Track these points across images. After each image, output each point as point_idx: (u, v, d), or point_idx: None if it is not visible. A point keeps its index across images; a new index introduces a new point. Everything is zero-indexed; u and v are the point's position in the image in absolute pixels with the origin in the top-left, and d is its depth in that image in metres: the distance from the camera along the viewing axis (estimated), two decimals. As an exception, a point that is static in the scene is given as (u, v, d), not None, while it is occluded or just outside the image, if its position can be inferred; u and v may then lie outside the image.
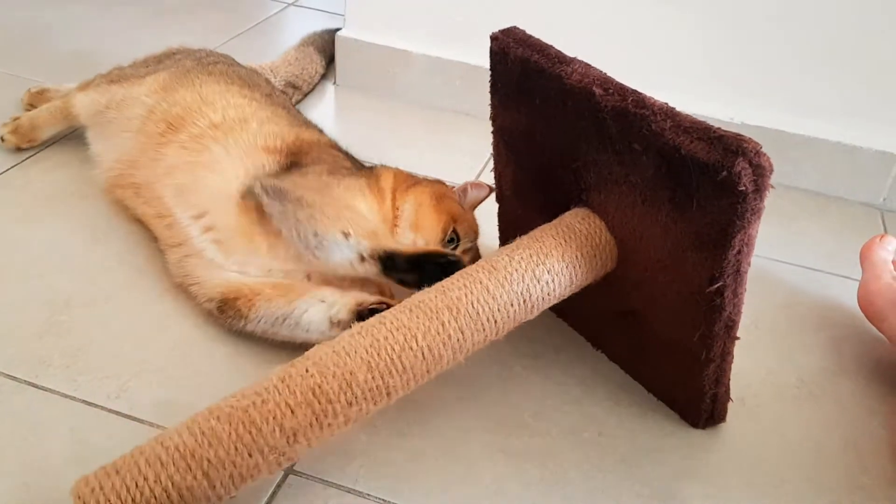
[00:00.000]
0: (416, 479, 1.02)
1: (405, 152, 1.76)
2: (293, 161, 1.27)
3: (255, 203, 1.18)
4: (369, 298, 1.12)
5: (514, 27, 1.14)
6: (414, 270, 1.08)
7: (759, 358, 1.28)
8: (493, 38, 1.13)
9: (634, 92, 0.97)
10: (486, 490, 1.02)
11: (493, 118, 1.21)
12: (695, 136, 0.90)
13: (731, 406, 1.14)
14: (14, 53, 2.00)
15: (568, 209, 1.12)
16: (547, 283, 1.01)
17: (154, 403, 1.09)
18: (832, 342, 1.34)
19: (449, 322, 0.95)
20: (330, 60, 2.10)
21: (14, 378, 1.10)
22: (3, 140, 1.55)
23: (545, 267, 1.01)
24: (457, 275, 1.01)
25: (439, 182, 1.35)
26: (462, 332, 0.95)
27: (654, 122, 0.92)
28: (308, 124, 1.47)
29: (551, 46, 1.09)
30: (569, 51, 1.06)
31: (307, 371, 0.90)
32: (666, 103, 0.95)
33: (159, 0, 2.41)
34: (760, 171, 0.87)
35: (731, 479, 1.07)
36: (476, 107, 1.95)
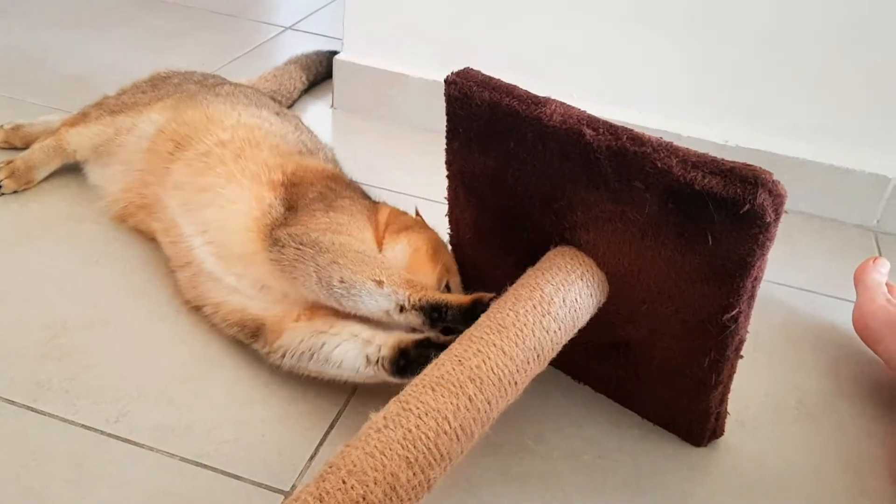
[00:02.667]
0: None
1: (402, 175, 1.75)
2: (295, 193, 1.25)
3: (261, 234, 1.19)
4: (407, 336, 1.07)
5: (469, 68, 1.10)
6: (465, 320, 1.03)
7: (757, 379, 1.30)
8: (450, 81, 1.08)
9: (626, 129, 0.96)
10: (486, 513, 1.00)
11: (450, 162, 1.17)
12: (705, 170, 0.91)
13: (731, 427, 1.16)
14: (11, 77, 1.99)
15: (546, 249, 1.10)
16: (555, 332, 1.00)
17: (154, 427, 1.10)
18: (829, 363, 1.36)
19: (475, 395, 0.90)
20: (315, 78, 2.13)
21: (12, 402, 1.11)
22: (0, 186, 1.53)
23: (551, 317, 0.99)
24: (465, 340, 0.96)
25: (433, 231, 1.31)
26: (489, 403, 0.91)
27: (657, 160, 0.92)
28: (314, 149, 1.44)
29: (517, 87, 1.06)
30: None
31: (344, 483, 0.82)
32: (661, 138, 0.95)
33: (156, 24, 2.42)
34: (780, 200, 0.89)
35: (733, 500, 1.09)
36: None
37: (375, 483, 0.84)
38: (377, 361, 1.07)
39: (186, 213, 1.29)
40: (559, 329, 1.02)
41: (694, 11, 1.73)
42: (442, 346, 1.01)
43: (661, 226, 0.97)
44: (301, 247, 1.12)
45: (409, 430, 0.88)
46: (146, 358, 1.21)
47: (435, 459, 0.88)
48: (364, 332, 1.11)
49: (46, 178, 1.59)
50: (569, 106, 1.02)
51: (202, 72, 1.72)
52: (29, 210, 1.51)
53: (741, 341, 1.02)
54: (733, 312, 0.96)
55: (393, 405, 0.91)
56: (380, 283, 1.08)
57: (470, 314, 1.04)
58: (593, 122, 0.98)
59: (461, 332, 1.01)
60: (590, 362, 1.20)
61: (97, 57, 2.16)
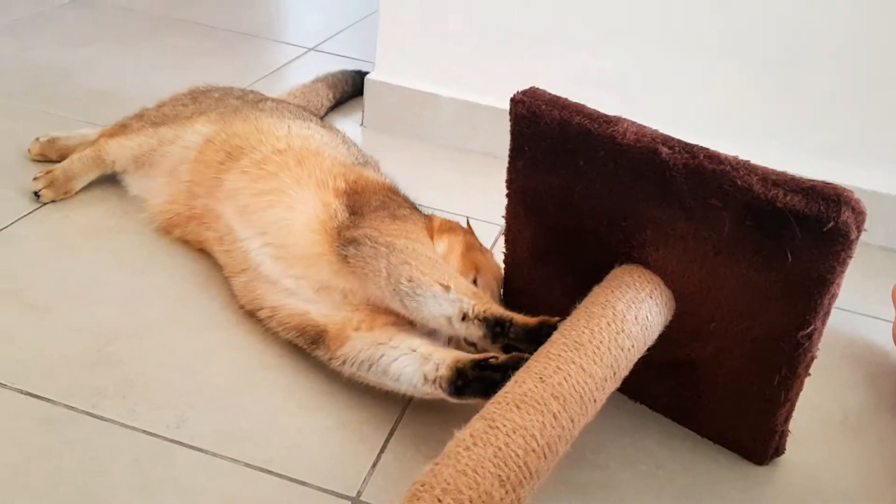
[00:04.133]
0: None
1: (434, 193, 1.74)
2: (357, 201, 1.26)
3: (328, 236, 1.21)
4: (465, 355, 1.06)
5: (535, 88, 1.11)
6: (528, 341, 1.02)
7: (804, 394, 1.30)
8: (518, 100, 1.09)
9: (702, 148, 0.97)
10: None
11: (511, 181, 1.17)
12: (786, 188, 0.92)
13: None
14: (41, 91, 2.00)
15: (609, 267, 1.11)
16: (629, 349, 1.00)
17: (215, 433, 1.09)
18: (868, 379, 1.39)
19: (559, 412, 0.90)
20: (341, 97, 2.15)
21: (72, 408, 1.10)
22: (39, 195, 1.53)
23: (625, 334, 0.99)
24: (543, 358, 0.96)
25: (470, 232, 1.34)
26: (572, 421, 0.91)
27: (737, 177, 0.93)
28: (364, 161, 1.47)
29: (585, 106, 1.07)
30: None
31: (440, 501, 0.81)
32: (737, 157, 0.97)
33: (180, 43, 2.44)
34: (861, 217, 0.90)
35: (790, 510, 1.10)
36: (505, 150, 1.98)
37: (471, 501, 0.83)
38: (434, 380, 1.07)
39: (243, 217, 1.29)
40: (632, 347, 1.02)
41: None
42: (498, 368, 1.01)
43: (737, 243, 0.98)
44: (377, 246, 1.14)
45: (500, 448, 0.88)
46: (200, 365, 1.22)
47: (525, 477, 0.88)
48: (423, 347, 1.10)
49: (86, 190, 1.59)
50: (641, 125, 1.03)
51: (241, 87, 1.73)
52: (71, 222, 1.51)
53: (812, 358, 1.03)
54: (808, 329, 0.97)
55: (478, 423, 0.91)
56: (446, 287, 1.08)
57: (534, 335, 1.04)
58: (668, 140, 1.00)
59: (521, 352, 1.02)
60: (647, 381, 1.19)
61: (122, 73, 2.19)
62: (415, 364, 1.09)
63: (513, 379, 0.96)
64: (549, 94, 1.09)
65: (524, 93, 1.10)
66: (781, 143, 1.81)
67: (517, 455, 0.88)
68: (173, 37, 2.47)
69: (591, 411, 0.96)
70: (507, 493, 0.86)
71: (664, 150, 0.98)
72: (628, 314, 1.03)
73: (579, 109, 1.06)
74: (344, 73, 2.20)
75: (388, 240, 1.14)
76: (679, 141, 0.99)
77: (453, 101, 2.01)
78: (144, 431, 1.09)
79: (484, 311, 1.06)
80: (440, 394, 1.08)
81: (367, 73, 2.22)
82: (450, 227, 1.31)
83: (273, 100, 1.67)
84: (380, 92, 2.06)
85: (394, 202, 1.30)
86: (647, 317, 1.05)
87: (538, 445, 0.89)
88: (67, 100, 1.97)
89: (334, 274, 1.19)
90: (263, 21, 2.85)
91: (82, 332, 1.24)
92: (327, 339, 1.17)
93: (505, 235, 1.25)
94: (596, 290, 1.08)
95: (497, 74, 1.96)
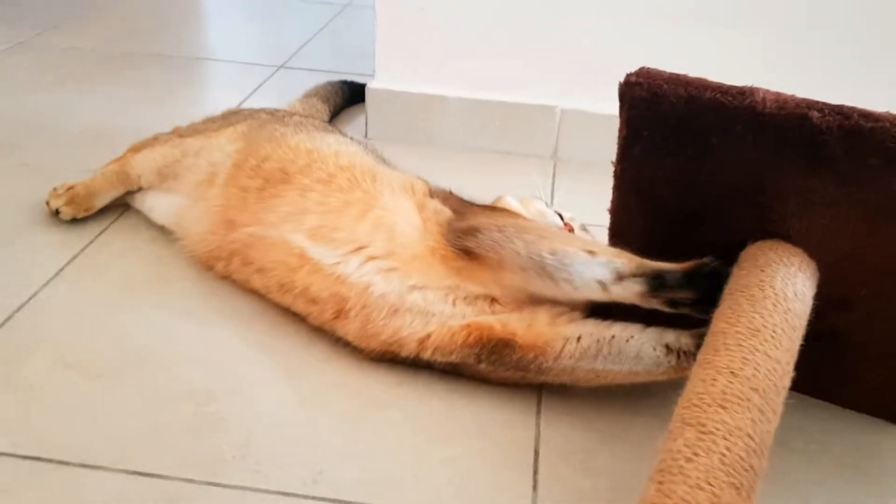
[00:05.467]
0: None
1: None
2: (444, 200, 1.23)
3: (438, 231, 1.14)
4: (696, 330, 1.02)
5: (647, 68, 1.05)
6: (689, 286, 0.99)
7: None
8: (633, 83, 1.02)
9: (852, 108, 0.93)
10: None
11: (623, 171, 1.10)
12: None
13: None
14: (17, 144, 1.82)
15: (736, 247, 1.05)
16: (798, 328, 0.95)
17: (357, 482, 1.01)
18: None
19: (763, 406, 0.85)
20: (335, 109, 2.07)
21: (191, 480, 0.99)
22: (58, 213, 1.44)
23: (793, 313, 0.94)
24: (722, 350, 0.90)
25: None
26: (774, 412, 0.86)
27: (897, 133, 0.89)
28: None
29: (709, 80, 1.01)
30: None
31: None
32: (890, 112, 0.93)
33: (147, 77, 2.30)
34: None
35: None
36: (517, 145, 1.94)
37: (718, 516, 0.76)
38: (678, 350, 1.03)
39: (323, 239, 1.18)
40: (800, 325, 0.97)
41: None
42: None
43: (898, 201, 0.93)
44: (502, 229, 1.07)
45: (724, 455, 0.81)
46: (311, 412, 1.12)
47: (753, 481, 0.82)
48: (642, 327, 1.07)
49: (110, 239, 1.46)
50: (777, 92, 0.98)
51: (269, 108, 1.65)
52: (107, 278, 1.37)
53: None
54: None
55: (686, 430, 0.84)
56: (592, 252, 1.04)
57: (693, 278, 1.00)
58: (814, 104, 0.95)
59: (682, 303, 1.00)
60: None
61: (100, 113, 2.04)
62: (652, 338, 1.06)
63: (700, 377, 0.89)
64: (666, 72, 1.03)
65: (638, 74, 1.03)
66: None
67: (742, 458, 0.82)
68: (137, 70, 2.32)
69: (782, 401, 0.91)
70: (745, 500, 0.79)
71: (814, 114, 0.93)
72: (788, 291, 0.98)
73: (706, 84, 1.00)
74: (332, 84, 2.13)
75: (506, 222, 1.09)
76: (825, 103, 0.95)
77: (460, 100, 1.95)
78: (281, 493, 0.99)
79: (638, 267, 1.02)
80: (685, 364, 1.04)
81: (352, 82, 2.12)
82: (504, 209, 1.29)
83: (299, 115, 1.60)
84: (382, 101, 1.97)
85: (460, 199, 1.27)
86: (803, 291, 1.00)
87: (755, 444, 0.84)
88: (52, 148, 1.81)
89: (457, 273, 1.10)
90: (222, 44, 2.73)
91: (170, 397, 1.12)
92: (517, 343, 1.08)
93: (610, 229, 1.18)
94: (740, 271, 1.02)
95: (504, 68, 1.90)
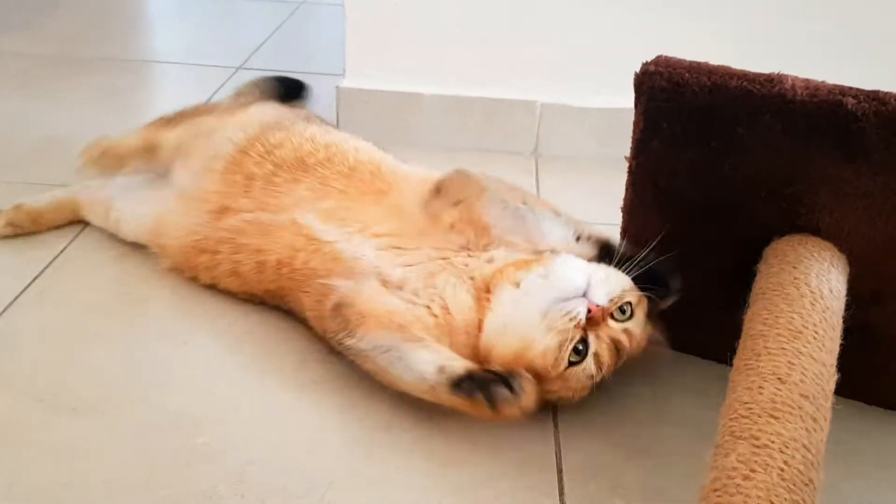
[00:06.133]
0: None
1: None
2: None
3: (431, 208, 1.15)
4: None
5: (665, 56, 0.99)
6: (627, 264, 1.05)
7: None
8: (652, 72, 0.97)
9: (888, 93, 0.88)
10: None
11: (639, 166, 1.05)
12: None
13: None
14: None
15: (760, 243, 1.01)
16: (837, 327, 0.90)
17: None
18: None
19: (815, 414, 0.80)
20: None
21: None
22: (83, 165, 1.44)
23: (831, 311, 0.90)
24: (764, 354, 0.85)
25: None
26: (825, 419, 0.81)
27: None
28: None
29: (733, 68, 0.96)
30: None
31: None
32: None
33: (103, 82, 2.14)
34: None
35: None
36: (497, 142, 1.87)
37: (790, 538, 0.70)
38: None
39: (333, 218, 1.15)
40: (838, 323, 0.92)
41: None
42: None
43: (936, 190, 0.89)
44: (492, 198, 1.14)
45: (783, 469, 0.75)
46: (312, 437, 1.02)
47: (813, 497, 0.76)
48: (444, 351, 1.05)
49: (71, 259, 1.34)
50: (807, 79, 0.92)
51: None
52: (76, 300, 1.24)
53: None
54: None
55: (738, 444, 0.78)
56: (557, 213, 1.13)
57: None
58: (848, 90, 0.90)
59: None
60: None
61: (53, 122, 1.87)
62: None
63: (745, 385, 0.83)
64: (686, 60, 0.97)
65: (656, 62, 0.97)
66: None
67: (801, 472, 0.76)
68: (87, 75, 2.17)
69: (830, 403, 0.85)
70: (804, 518, 0.73)
71: (849, 100, 0.88)
72: (823, 289, 0.93)
73: (730, 72, 0.95)
74: (265, 79, 1.92)
75: (494, 188, 1.15)
76: (860, 89, 0.90)
77: (437, 97, 1.86)
78: (289, 528, 0.88)
79: (592, 233, 1.11)
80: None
81: (285, 78, 1.94)
82: None
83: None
84: (354, 100, 1.86)
85: None
86: (838, 288, 0.95)
87: (812, 455, 0.78)
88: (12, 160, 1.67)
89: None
90: (175, 47, 2.59)
91: (156, 429, 1.01)
92: None
93: (623, 228, 1.12)
94: (770, 268, 0.97)
95: (481, 63, 1.81)
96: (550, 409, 1.08)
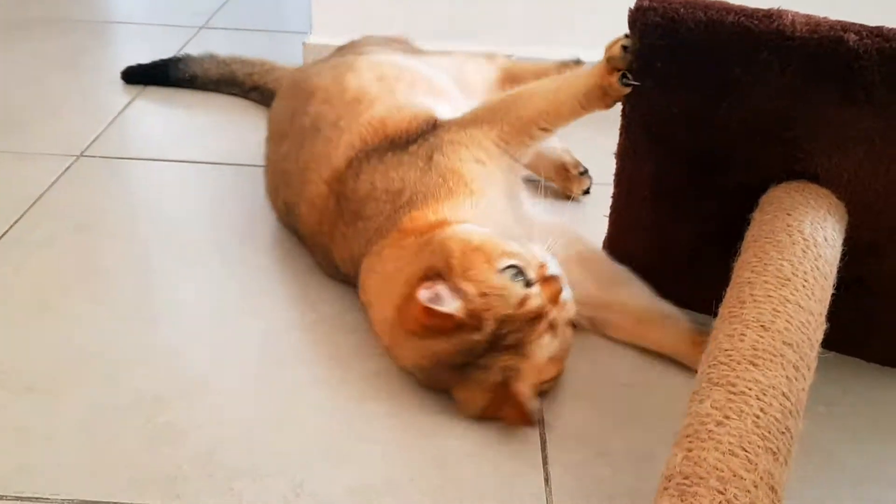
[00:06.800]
0: None
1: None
2: None
3: None
4: None
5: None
6: None
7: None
8: (646, 7, 0.92)
9: (892, 29, 0.83)
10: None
11: (632, 109, 1.01)
12: None
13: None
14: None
15: (756, 190, 0.97)
16: (829, 276, 0.87)
17: (345, 490, 0.88)
18: None
19: (798, 362, 0.77)
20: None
21: None
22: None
23: (823, 260, 0.86)
24: (749, 301, 0.82)
25: None
26: (808, 368, 0.78)
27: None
28: None
29: (730, 3, 0.92)
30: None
31: (723, 493, 0.67)
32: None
33: (61, 43, 2.09)
34: None
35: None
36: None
37: (756, 486, 0.68)
38: None
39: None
40: (831, 273, 0.88)
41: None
42: None
43: (942, 135, 0.84)
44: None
45: (758, 417, 0.73)
46: (281, 416, 0.98)
47: (789, 445, 0.73)
48: None
49: (33, 234, 1.29)
50: (808, 15, 0.88)
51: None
52: (30, 275, 1.20)
53: None
54: None
55: (714, 391, 0.75)
56: None
57: None
58: (850, 26, 0.85)
59: None
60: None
61: (8, 88, 1.83)
62: None
63: (726, 332, 0.80)
64: (681, -5, 0.92)
65: (650, -2, 0.92)
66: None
67: (777, 420, 0.73)
68: (41, 38, 2.11)
69: (816, 353, 0.82)
70: (782, 466, 0.71)
71: (851, 37, 0.84)
72: (818, 237, 0.89)
73: (727, 7, 0.90)
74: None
75: None
76: (863, 25, 0.85)
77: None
78: (262, 511, 0.85)
79: None
80: None
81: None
82: None
83: None
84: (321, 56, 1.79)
85: None
86: (833, 236, 0.91)
87: (791, 403, 0.75)
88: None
89: None
90: (130, 5, 2.50)
91: (116, 408, 0.97)
92: None
93: (617, 176, 1.09)
94: (764, 215, 0.93)
95: (453, 15, 1.76)
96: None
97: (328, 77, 1.26)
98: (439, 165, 1.03)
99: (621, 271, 1.09)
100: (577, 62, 1.55)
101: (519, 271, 0.91)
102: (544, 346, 0.92)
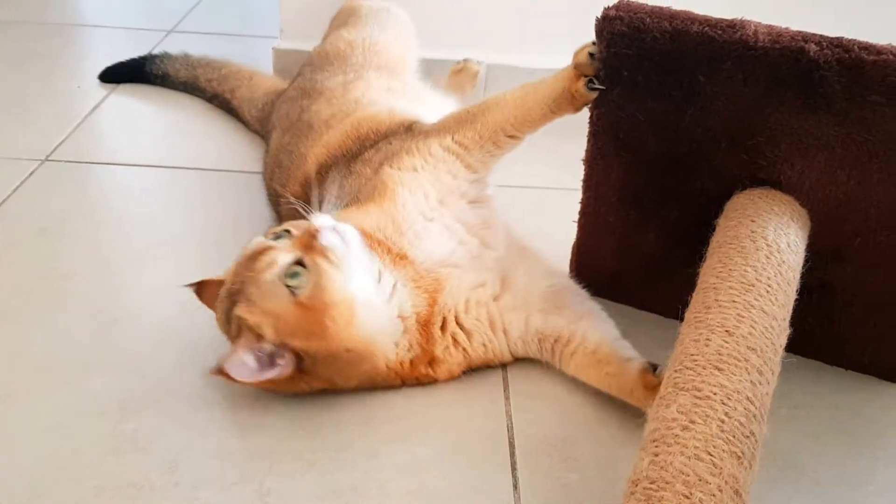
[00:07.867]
0: None
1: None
2: None
3: None
4: None
5: (629, 0, 0.95)
6: None
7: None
8: (613, 17, 0.93)
9: (853, 40, 0.85)
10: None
11: (599, 116, 1.02)
12: None
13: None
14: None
15: (721, 196, 0.98)
16: (792, 281, 0.88)
17: (311, 496, 0.88)
18: None
19: (762, 367, 0.78)
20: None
21: None
22: None
23: (786, 266, 0.87)
24: (715, 306, 0.83)
25: None
26: (773, 373, 0.79)
27: (905, 67, 0.81)
28: None
29: (695, 13, 0.93)
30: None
31: (688, 497, 0.68)
32: (892, 44, 0.85)
33: (25, 46, 2.05)
34: None
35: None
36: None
37: (721, 490, 0.69)
38: None
39: None
40: (794, 278, 0.90)
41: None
42: None
43: (900, 142, 0.86)
44: None
45: (723, 421, 0.74)
46: (246, 421, 0.97)
47: (754, 448, 0.75)
48: None
49: None
50: (770, 25, 0.89)
51: None
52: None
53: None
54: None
55: (680, 395, 0.76)
56: None
57: None
58: (811, 37, 0.87)
59: None
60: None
61: None
62: None
63: (692, 337, 0.82)
64: (647, 4, 0.94)
65: (617, 7, 0.94)
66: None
67: (742, 424, 0.75)
68: (5, 40, 2.07)
69: (779, 359, 0.83)
70: (746, 470, 0.72)
71: (811, 47, 0.86)
72: (781, 243, 0.91)
73: (692, 17, 0.92)
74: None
75: None
76: (823, 36, 0.87)
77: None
78: (229, 515, 0.84)
79: None
80: None
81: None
82: None
83: None
84: (290, 62, 1.74)
85: None
86: (796, 242, 0.93)
87: (755, 408, 0.77)
88: None
89: None
90: (97, 9, 2.46)
91: (80, 415, 0.96)
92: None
93: (584, 183, 1.09)
94: (728, 221, 0.95)
95: (425, 21, 1.71)
96: (501, 381, 1.06)
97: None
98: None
99: (589, 307, 1.08)
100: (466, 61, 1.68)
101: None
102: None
